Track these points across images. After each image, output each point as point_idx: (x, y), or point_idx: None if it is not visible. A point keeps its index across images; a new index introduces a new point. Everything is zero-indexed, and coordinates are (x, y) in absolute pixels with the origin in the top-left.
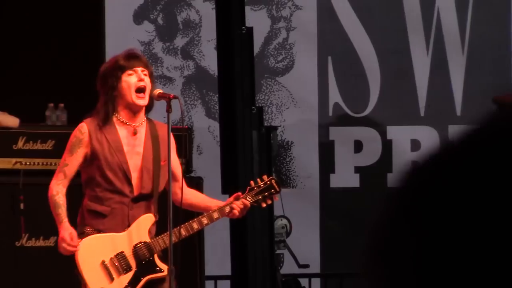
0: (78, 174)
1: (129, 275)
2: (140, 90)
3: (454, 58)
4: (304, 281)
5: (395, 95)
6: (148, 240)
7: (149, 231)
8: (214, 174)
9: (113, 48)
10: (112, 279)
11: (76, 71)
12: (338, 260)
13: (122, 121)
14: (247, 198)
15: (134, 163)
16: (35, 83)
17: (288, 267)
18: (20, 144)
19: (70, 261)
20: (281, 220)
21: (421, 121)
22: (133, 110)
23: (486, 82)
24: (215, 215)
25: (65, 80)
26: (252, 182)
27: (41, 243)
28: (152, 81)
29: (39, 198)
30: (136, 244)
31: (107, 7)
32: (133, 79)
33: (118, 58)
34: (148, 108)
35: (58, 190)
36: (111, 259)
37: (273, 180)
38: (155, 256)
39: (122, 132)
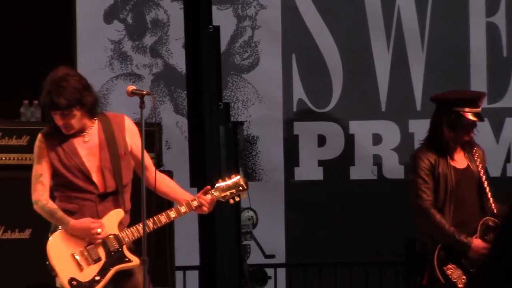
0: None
1: (98, 265)
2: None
3: (414, 55)
4: (270, 271)
5: (357, 91)
6: (117, 232)
7: (120, 224)
8: (183, 168)
9: (84, 46)
10: (81, 269)
11: (49, 69)
12: (302, 250)
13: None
14: (215, 194)
15: (92, 165)
16: (9, 80)
17: (255, 258)
18: None
19: (45, 254)
20: (248, 212)
21: (382, 116)
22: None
23: (446, 78)
24: (183, 209)
25: (39, 77)
26: (220, 180)
27: (16, 235)
28: (83, 106)
29: (14, 192)
30: (106, 236)
31: (78, 6)
32: (57, 119)
33: (50, 89)
34: (92, 110)
35: (46, 198)
36: (80, 250)
37: (240, 178)
38: (124, 247)
39: (74, 139)
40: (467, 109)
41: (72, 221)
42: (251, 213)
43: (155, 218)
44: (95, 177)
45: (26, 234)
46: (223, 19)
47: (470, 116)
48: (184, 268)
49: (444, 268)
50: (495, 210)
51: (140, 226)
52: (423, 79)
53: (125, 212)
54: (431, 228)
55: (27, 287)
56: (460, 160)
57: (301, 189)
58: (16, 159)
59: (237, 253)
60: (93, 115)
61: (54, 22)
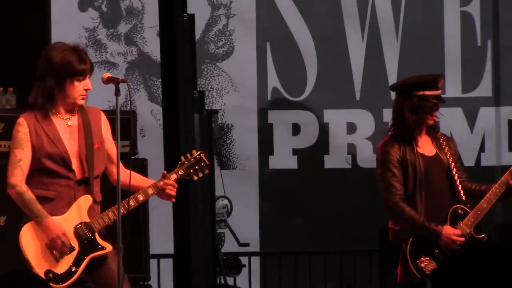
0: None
1: (73, 255)
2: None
3: (388, 44)
4: (244, 259)
5: (332, 80)
6: (87, 220)
7: (90, 211)
8: (157, 156)
9: (58, 33)
10: (57, 260)
11: (23, 56)
12: (276, 239)
13: (57, 115)
14: (179, 172)
15: (72, 149)
16: None
17: (229, 246)
18: None
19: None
20: (222, 200)
21: (356, 105)
22: (70, 107)
23: (420, 67)
24: (150, 191)
25: (13, 64)
26: (182, 157)
27: None
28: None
29: None
30: (77, 225)
31: None
32: (81, 86)
33: (70, 58)
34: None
35: (26, 186)
36: None
37: (202, 154)
38: (96, 234)
39: (58, 122)
40: (427, 92)
41: (49, 219)
42: (225, 201)
43: (123, 203)
44: (74, 163)
45: (1, 221)
46: (197, 7)
47: (431, 99)
48: (159, 256)
49: (418, 261)
50: (463, 198)
51: (110, 212)
52: (398, 68)
53: (95, 202)
54: (401, 222)
55: (2, 276)
56: (428, 148)
57: (275, 178)
58: None
59: (211, 241)
60: None
61: (28, 10)
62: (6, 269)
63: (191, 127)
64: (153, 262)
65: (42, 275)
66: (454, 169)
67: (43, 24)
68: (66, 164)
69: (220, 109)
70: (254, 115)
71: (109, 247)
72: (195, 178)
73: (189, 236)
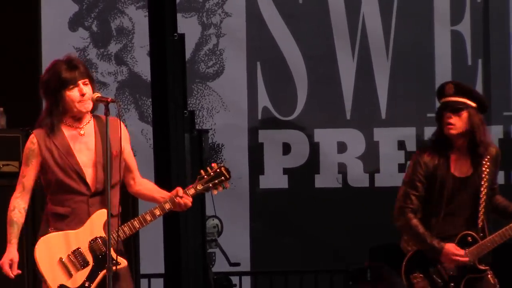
0: None
1: (87, 270)
2: (82, 102)
3: (379, 63)
4: (235, 279)
5: (322, 99)
6: (103, 234)
7: (106, 225)
8: (148, 176)
9: (49, 53)
10: (70, 275)
11: (14, 75)
12: (267, 258)
13: (69, 125)
14: (197, 187)
15: (86, 159)
16: None
17: (220, 266)
18: None
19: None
20: (213, 220)
21: (347, 124)
22: (78, 116)
23: (410, 86)
24: (167, 206)
25: (4, 85)
26: (202, 171)
27: None
28: (92, 83)
29: None
30: (92, 240)
31: (42, 14)
32: (75, 93)
33: (59, 70)
34: (93, 109)
35: (15, 205)
36: (68, 255)
37: (222, 168)
38: (111, 250)
39: (69, 134)
40: (441, 100)
41: (8, 245)
42: (216, 221)
43: (140, 218)
44: (88, 174)
45: None
46: (188, 27)
47: (439, 107)
48: (149, 276)
49: (411, 276)
50: (480, 225)
51: (125, 227)
52: (388, 88)
53: (113, 215)
54: (405, 230)
55: None
56: (463, 168)
57: (266, 197)
58: None
59: (202, 261)
60: (93, 111)
61: (19, 29)
62: None
63: (182, 146)
64: (143, 282)
65: None
66: (484, 191)
67: (33, 44)
68: (80, 176)
69: (211, 129)
70: (245, 135)
71: (124, 262)
72: (215, 192)
73: (179, 256)
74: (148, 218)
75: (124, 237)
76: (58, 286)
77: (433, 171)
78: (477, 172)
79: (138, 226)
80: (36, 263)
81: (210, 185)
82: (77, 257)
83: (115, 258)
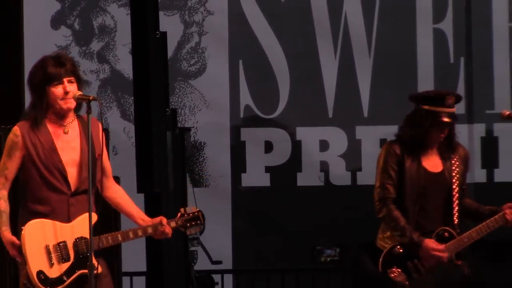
0: None
1: (66, 265)
2: (65, 100)
3: (361, 61)
4: (217, 277)
5: (304, 97)
6: (88, 236)
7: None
8: (130, 174)
9: (31, 51)
10: (51, 264)
11: None
12: (249, 256)
13: (53, 122)
14: (178, 222)
15: (70, 158)
16: None
17: (202, 264)
18: None
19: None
20: None
21: (329, 122)
22: (61, 114)
23: (393, 84)
24: (149, 230)
25: None
26: (182, 209)
27: None
28: (79, 81)
29: None
30: (77, 238)
31: (25, 12)
32: (59, 90)
33: (46, 65)
34: (77, 108)
35: (3, 194)
36: (54, 245)
37: (200, 213)
38: (92, 253)
39: (53, 131)
40: (432, 108)
41: (4, 233)
42: None
43: (124, 234)
44: (70, 173)
45: None
46: (170, 25)
47: (436, 115)
48: (131, 274)
49: (388, 270)
50: (456, 221)
51: (109, 236)
52: (370, 86)
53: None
54: (387, 221)
55: None
56: (434, 164)
57: (248, 195)
58: None
59: (184, 259)
60: (77, 110)
61: (1, 27)
62: None
63: (164, 145)
64: (126, 280)
65: (34, 274)
66: (456, 189)
67: (15, 42)
68: (62, 174)
69: (193, 127)
70: (227, 133)
71: (99, 269)
72: (188, 232)
73: (161, 254)
74: (131, 235)
75: (107, 245)
76: (37, 271)
77: (404, 162)
78: (447, 169)
79: (120, 240)
80: (22, 243)
81: (188, 224)
82: (61, 250)
83: (94, 262)
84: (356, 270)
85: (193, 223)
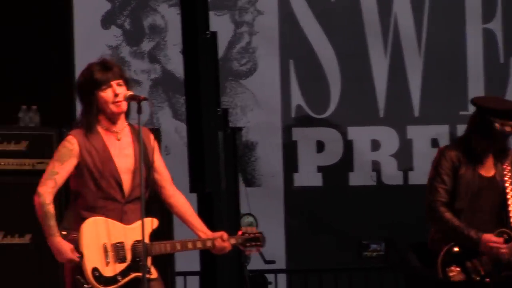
0: None
1: (122, 265)
2: (115, 103)
3: (411, 61)
4: (270, 277)
5: (355, 97)
6: (147, 241)
7: (151, 234)
8: (182, 174)
9: (82, 51)
10: (107, 263)
11: (47, 74)
12: (302, 256)
13: (106, 129)
14: (238, 241)
15: (124, 166)
16: (8, 85)
17: (255, 263)
18: None
19: (45, 257)
20: (248, 217)
21: (380, 122)
22: (113, 118)
23: (443, 84)
24: (208, 243)
25: (37, 82)
26: (243, 229)
27: (16, 240)
28: (127, 84)
29: (13, 197)
30: (137, 241)
31: (75, 11)
32: (108, 94)
33: (92, 71)
34: (127, 113)
35: (50, 199)
36: (112, 245)
37: (260, 234)
38: (149, 258)
39: (107, 138)
40: (503, 121)
41: (57, 239)
42: (250, 218)
43: (182, 243)
44: (125, 181)
45: (26, 239)
46: (220, 25)
47: (505, 128)
48: (185, 274)
49: (447, 269)
50: None
51: (168, 244)
52: (421, 85)
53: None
54: (441, 225)
55: None
56: (488, 168)
57: (300, 195)
58: (14, 164)
59: (237, 259)
60: (127, 115)
61: (52, 28)
62: (31, 287)
63: (215, 144)
64: (179, 280)
65: (89, 271)
66: (510, 192)
67: (66, 42)
68: (117, 183)
69: (244, 127)
70: (278, 133)
71: (155, 274)
72: (247, 252)
73: (215, 254)
74: (189, 246)
75: (165, 252)
76: (92, 268)
77: (459, 168)
78: (499, 173)
79: (178, 249)
80: (79, 238)
81: (247, 244)
82: (119, 250)
83: (149, 266)
84: (401, 265)
85: (253, 243)
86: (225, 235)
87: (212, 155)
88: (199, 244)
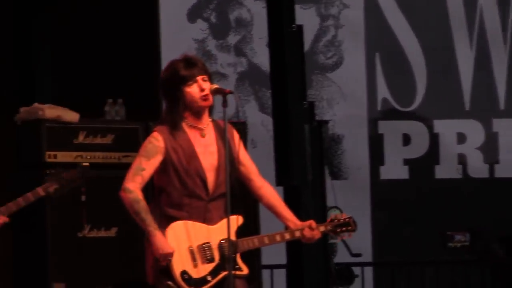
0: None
1: (211, 265)
2: (203, 97)
3: (497, 54)
4: (357, 270)
5: (441, 90)
6: (234, 238)
7: (237, 231)
8: (268, 167)
9: (168, 45)
10: (196, 265)
11: (133, 67)
12: (389, 249)
13: (191, 125)
14: (328, 227)
15: (208, 164)
16: (94, 79)
17: (341, 256)
18: (80, 138)
19: (131, 251)
20: (334, 210)
21: (466, 115)
22: (199, 114)
23: None
24: (297, 233)
25: (123, 76)
26: (332, 215)
27: (102, 233)
28: (211, 79)
29: (99, 191)
30: (223, 239)
31: (161, 5)
32: (194, 89)
33: (177, 68)
34: (211, 108)
35: (142, 195)
36: (198, 246)
37: (351, 219)
38: (238, 255)
39: (192, 135)
40: None
41: (158, 235)
42: (337, 211)
43: (270, 236)
44: (209, 179)
45: (112, 232)
46: (306, 18)
47: None
48: (271, 267)
49: None
50: None
51: (255, 239)
52: (506, 78)
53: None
54: None
55: (115, 285)
56: None
57: (387, 188)
58: (101, 157)
59: (323, 252)
60: (210, 110)
61: (138, 22)
62: (117, 279)
63: (302, 137)
64: (266, 273)
65: (178, 274)
66: None
67: (152, 35)
68: (202, 180)
69: (331, 120)
70: (365, 126)
71: (245, 270)
72: (338, 239)
73: (301, 247)
74: (278, 239)
75: (252, 247)
76: (181, 271)
77: None
78: None
79: (267, 243)
80: None
81: (338, 230)
82: (206, 251)
83: (239, 264)
84: (487, 255)
85: (343, 228)
86: (313, 223)
87: (298, 148)
88: (287, 236)
